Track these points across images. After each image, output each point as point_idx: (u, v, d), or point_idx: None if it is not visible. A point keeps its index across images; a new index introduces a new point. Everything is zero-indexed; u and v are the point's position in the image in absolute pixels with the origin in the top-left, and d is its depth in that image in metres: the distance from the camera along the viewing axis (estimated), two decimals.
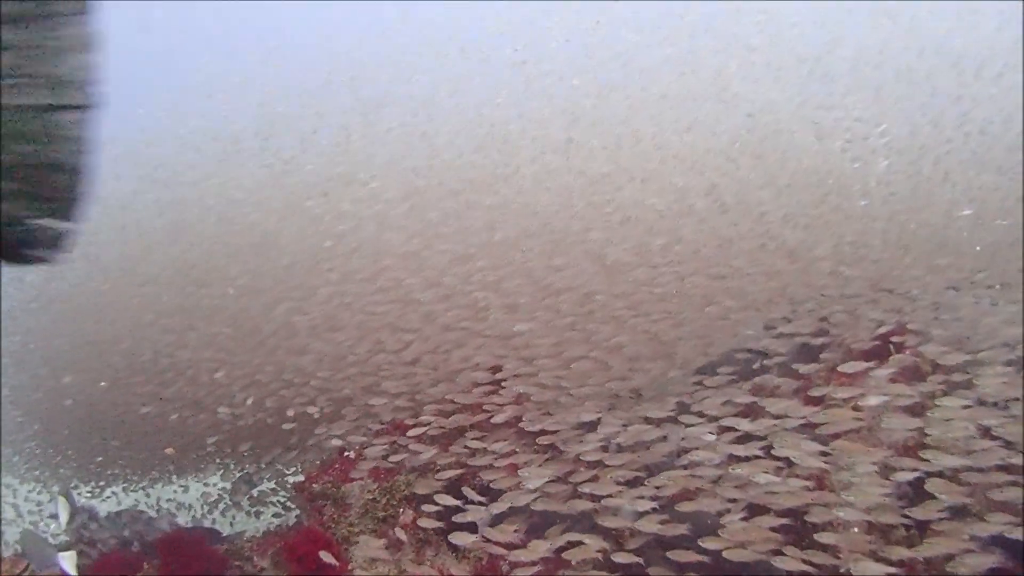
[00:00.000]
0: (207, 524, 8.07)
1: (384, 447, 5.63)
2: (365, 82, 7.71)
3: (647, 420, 5.06)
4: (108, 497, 8.51)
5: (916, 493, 4.17)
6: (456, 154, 7.07)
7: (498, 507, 4.77)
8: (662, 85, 6.93)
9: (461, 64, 7.56)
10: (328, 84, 7.83)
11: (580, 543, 4.45)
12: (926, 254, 6.26)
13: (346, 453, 5.88)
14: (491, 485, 5.02)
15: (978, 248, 6.23)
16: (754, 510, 4.27)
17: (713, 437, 4.72)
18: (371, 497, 5.52)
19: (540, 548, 4.49)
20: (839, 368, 5.11)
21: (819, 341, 5.64)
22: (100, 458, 8.21)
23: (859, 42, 6.99)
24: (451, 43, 7.71)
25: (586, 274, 6.02)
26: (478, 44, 7.64)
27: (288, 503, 7.47)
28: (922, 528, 4.09)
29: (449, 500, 4.91)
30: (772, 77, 6.88)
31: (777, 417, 4.63)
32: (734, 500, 4.32)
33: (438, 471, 5.31)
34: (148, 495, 8.74)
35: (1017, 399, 4.52)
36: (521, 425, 5.40)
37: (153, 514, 7.87)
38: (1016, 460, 4.05)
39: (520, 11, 7.89)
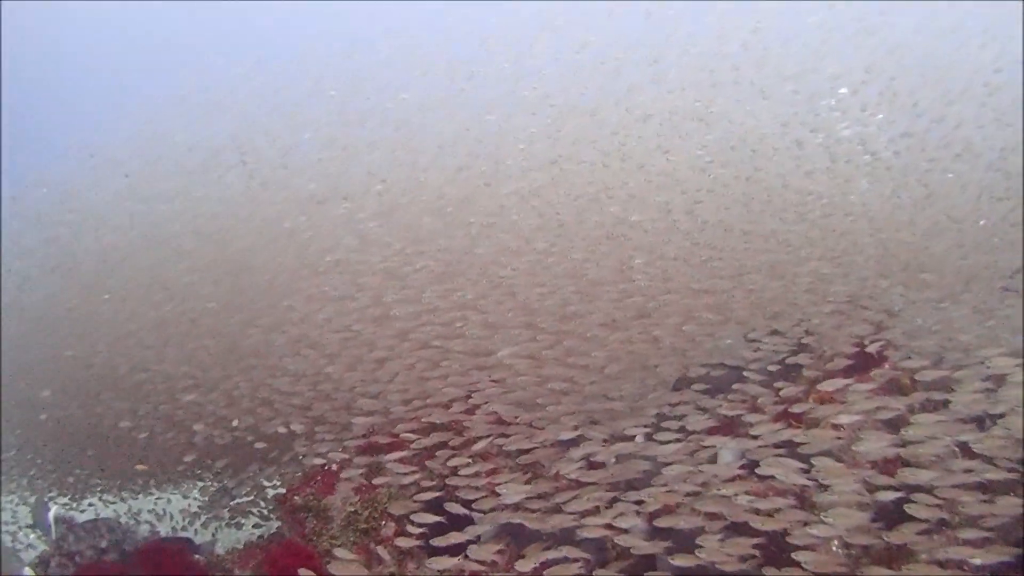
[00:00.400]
0: (188, 535, 8.00)
1: (362, 468, 5.59)
2: (349, 96, 7.69)
3: (625, 437, 5.07)
4: (84, 509, 8.42)
5: (896, 507, 4.20)
6: (440, 170, 7.07)
7: (476, 530, 4.73)
8: (648, 104, 6.96)
9: (447, 80, 7.57)
10: (312, 97, 7.81)
11: (561, 560, 4.43)
12: (907, 272, 6.31)
13: (327, 467, 5.86)
14: (473, 506, 4.99)
15: (967, 261, 6.27)
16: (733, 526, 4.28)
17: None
18: (353, 510, 5.50)
19: (524, 566, 4.47)
20: (819, 386, 5.14)
21: (799, 357, 5.68)
22: (78, 470, 8.13)
23: (843, 62, 7.06)
24: (438, 59, 7.71)
25: (567, 291, 6.02)
26: (465, 61, 7.64)
27: (268, 514, 7.43)
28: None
29: (429, 518, 4.86)
30: (757, 96, 6.93)
31: (755, 437, 4.65)
32: (715, 516, 4.33)
33: (416, 493, 5.26)
34: (130, 506, 8.65)
35: (992, 416, 4.57)
36: (499, 443, 5.38)
37: (132, 524, 7.81)
38: (991, 475, 4.09)
39: (508, 29, 7.91)
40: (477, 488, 5.05)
